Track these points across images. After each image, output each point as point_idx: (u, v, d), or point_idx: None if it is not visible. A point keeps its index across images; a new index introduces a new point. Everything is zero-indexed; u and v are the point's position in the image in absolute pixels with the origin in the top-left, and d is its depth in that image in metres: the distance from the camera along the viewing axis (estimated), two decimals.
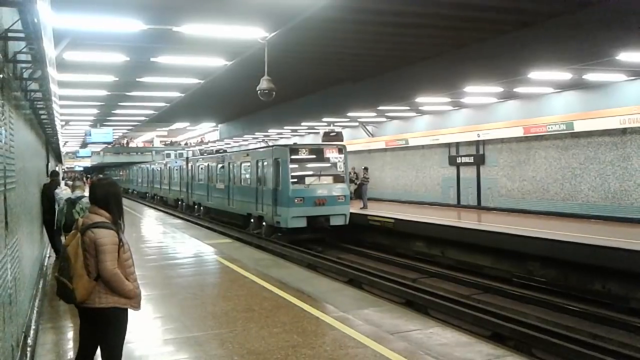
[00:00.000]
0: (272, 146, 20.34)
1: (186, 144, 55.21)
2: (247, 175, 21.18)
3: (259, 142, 40.87)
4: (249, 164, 21.03)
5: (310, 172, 18.09)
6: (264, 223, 19.43)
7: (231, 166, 23.17)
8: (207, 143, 49.17)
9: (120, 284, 3.72)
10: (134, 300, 3.84)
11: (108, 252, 3.67)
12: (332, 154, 18.46)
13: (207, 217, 26.26)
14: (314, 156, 18.35)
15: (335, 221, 17.72)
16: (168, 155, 43.47)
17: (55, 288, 3.85)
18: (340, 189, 18.04)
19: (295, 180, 17.67)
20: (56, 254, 11.28)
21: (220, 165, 24.60)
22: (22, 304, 5.41)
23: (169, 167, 35.12)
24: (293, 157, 17.87)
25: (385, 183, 26.21)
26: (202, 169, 27.51)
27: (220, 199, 24.10)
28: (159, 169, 38.46)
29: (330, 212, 17.63)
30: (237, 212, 22.11)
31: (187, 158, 31.58)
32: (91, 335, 3.89)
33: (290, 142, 32.39)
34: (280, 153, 18.32)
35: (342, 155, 18.50)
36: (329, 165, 18.34)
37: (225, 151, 27.42)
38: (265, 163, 19.31)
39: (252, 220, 20.56)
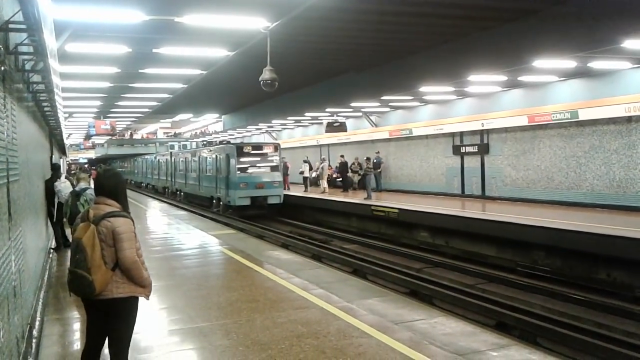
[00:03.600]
0: (225, 144, 26.12)
1: (176, 134, 55.30)
2: (210, 167, 26.46)
3: (263, 132, 41.01)
4: (212, 158, 26.19)
5: (252, 164, 23.61)
6: (221, 203, 24.75)
7: (201, 159, 28.33)
8: (210, 134, 49.25)
9: (140, 272, 3.76)
10: (147, 288, 3.87)
11: (127, 240, 3.69)
12: (269, 151, 24.32)
13: (186, 201, 31.24)
14: (255, 152, 24.04)
15: (272, 200, 23.26)
16: (172, 147, 44.83)
17: (68, 282, 3.79)
18: (275, 176, 23.64)
19: (241, 170, 23.18)
20: (58, 246, 11.37)
21: (193, 159, 29.85)
22: (26, 295, 5.42)
23: (158, 159, 40.18)
24: (239, 152, 23.47)
25: (389, 173, 26.15)
26: (181, 161, 32.94)
27: (194, 185, 29.73)
28: (150, 161, 43.50)
29: (267, 193, 23.15)
30: (205, 195, 27.60)
31: (171, 152, 37.00)
32: (101, 327, 3.87)
33: (297, 133, 35.54)
34: (230, 149, 23.94)
35: (277, 152, 24.29)
36: (266, 158, 23.98)
37: (196, 146, 32.43)
38: (221, 157, 24.53)
39: (214, 201, 25.99)
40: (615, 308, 9.33)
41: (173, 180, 35.03)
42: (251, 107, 29.87)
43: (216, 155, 25.44)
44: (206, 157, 27.31)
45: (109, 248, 3.68)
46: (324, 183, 24.39)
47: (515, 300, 10.05)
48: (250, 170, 23.41)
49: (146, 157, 46.28)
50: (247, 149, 23.89)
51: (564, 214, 14.13)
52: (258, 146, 24.78)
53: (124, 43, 12.93)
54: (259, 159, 23.90)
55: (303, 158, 29.34)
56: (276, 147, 24.50)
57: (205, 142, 35.84)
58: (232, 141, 34.83)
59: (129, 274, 3.72)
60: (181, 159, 32.95)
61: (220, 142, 30.03)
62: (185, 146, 43.42)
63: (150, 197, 35.54)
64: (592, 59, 13.48)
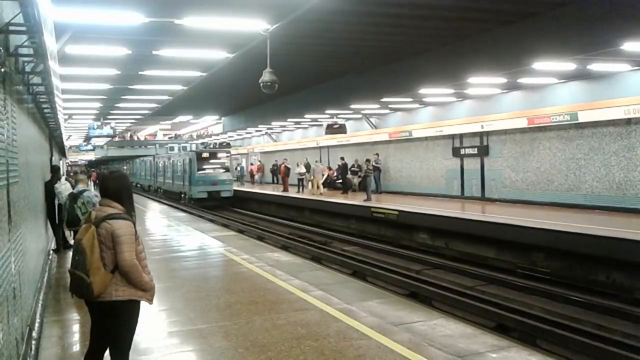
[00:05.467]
0: (189, 151, 33.00)
1: (176, 136, 55.86)
2: (179, 169, 33.22)
3: (262, 134, 41.10)
4: (180, 161, 33.03)
5: (209, 166, 30.44)
6: (186, 196, 31.60)
7: (173, 162, 35.23)
8: (210, 136, 49.58)
9: (139, 275, 3.71)
10: (149, 292, 3.82)
11: (126, 243, 3.65)
12: (222, 156, 31.43)
13: (164, 196, 37.54)
14: (211, 157, 30.82)
15: (224, 194, 29.98)
16: (171, 149, 45.56)
17: (68, 283, 3.80)
18: (226, 175, 30.65)
19: (199, 170, 30.04)
20: (57, 248, 11.37)
21: (168, 162, 36.76)
22: (26, 297, 5.42)
23: (145, 162, 47.51)
24: (198, 157, 30.36)
25: (388, 175, 26.16)
26: (160, 164, 39.84)
27: (169, 183, 36.75)
28: (139, 164, 50.98)
29: (220, 189, 29.99)
30: (176, 191, 34.42)
31: (153, 156, 43.98)
32: (102, 329, 3.85)
33: (297, 134, 36.75)
34: (192, 155, 30.94)
35: (228, 157, 31.73)
36: (220, 162, 30.97)
37: (196, 148, 37.44)
38: (186, 161, 31.42)
39: (182, 195, 32.73)
40: (614, 310, 9.33)
41: (155, 179, 42.37)
42: (251, 108, 29.90)
43: (183, 160, 32.38)
44: (176, 161, 34.28)
45: (109, 250, 3.65)
46: (309, 185, 25.38)
47: (514, 302, 10.04)
48: (207, 171, 30.21)
49: (136, 160, 52.45)
50: (205, 155, 30.76)
51: (563, 215, 14.13)
52: (214, 153, 31.48)
53: (124, 45, 12.93)
54: (214, 162, 30.83)
55: (303, 160, 29.45)
56: (228, 153, 32.12)
57: (204, 144, 39.53)
58: (232, 144, 40.71)
59: (128, 277, 3.69)
60: (160, 162, 39.97)
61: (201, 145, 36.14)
62: (185, 148, 44.80)
63: (142, 195, 38.82)
64: (591, 61, 13.50)
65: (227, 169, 30.83)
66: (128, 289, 3.72)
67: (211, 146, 34.32)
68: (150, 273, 3.89)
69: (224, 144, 38.62)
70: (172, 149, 46.35)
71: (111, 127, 31.81)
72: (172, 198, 34.84)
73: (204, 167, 30.22)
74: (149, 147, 52.48)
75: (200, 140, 49.09)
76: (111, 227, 3.66)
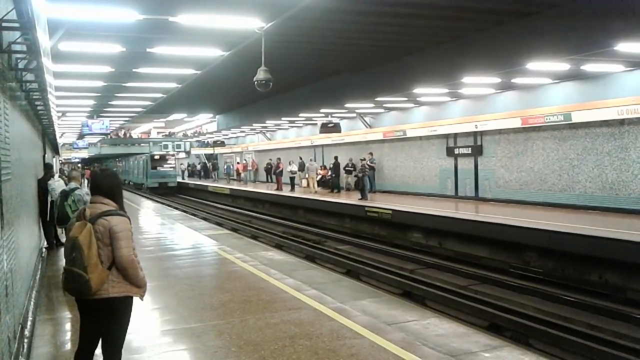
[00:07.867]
0: (145, 154, 45.10)
1: (170, 134, 56.60)
2: (141, 166, 45.44)
3: (257, 133, 41.26)
4: (141, 161, 45.44)
5: (159, 164, 43.21)
6: (144, 186, 43.29)
7: (138, 161, 46.96)
8: (204, 134, 50.01)
9: (136, 271, 3.74)
10: (142, 289, 3.86)
11: (124, 239, 3.67)
12: (169, 157, 45.10)
13: (132, 187, 47.68)
14: (161, 159, 43.74)
15: (170, 184, 42.80)
16: (165, 147, 49.25)
17: (61, 281, 3.79)
18: (171, 171, 43.99)
19: (152, 167, 42.75)
20: (50, 245, 11.31)
21: (136, 161, 48.50)
22: (18, 295, 5.40)
23: (122, 161, 57.40)
24: (152, 158, 43.09)
25: (382, 174, 26.19)
26: (131, 162, 51.17)
27: (135, 177, 48.77)
28: (118, 162, 60.32)
29: (167, 180, 42.92)
30: (139, 182, 46.21)
31: (127, 155, 53.88)
32: (94, 328, 3.84)
33: (291, 133, 37.22)
34: (147, 157, 43.51)
35: (174, 158, 45.52)
36: (167, 161, 44.29)
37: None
38: (144, 161, 43.89)
39: (142, 185, 44.07)
40: (607, 310, 9.37)
41: (127, 174, 52.86)
42: (245, 107, 29.84)
43: (142, 160, 45.16)
44: (139, 160, 46.71)
45: (106, 247, 3.66)
46: (302, 183, 27.29)
47: (507, 301, 10.08)
48: (158, 168, 42.99)
49: (117, 159, 61.54)
50: (156, 157, 43.55)
51: (556, 215, 14.19)
52: (163, 155, 44.54)
53: (117, 42, 12.87)
54: (163, 162, 43.70)
55: (296, 159, 29.53)
56: (173, 155, 46.37)
57: (199, 142, 50.32)
58: (226, 142, 48.39)
59: (126, 273, 3.70)
60: (131, 161, 51.18)
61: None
62: (179, 145, 51.90)
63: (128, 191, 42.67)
64: (585, 62, 13.55)
65: (173, 167, 44.46)
66: (124, 285, 3.73)
67: (206, 143, 46.32)
68: (142, 269, 3.91)
69: (218, 142, 46.52)
70: (166, 146, 48.80)
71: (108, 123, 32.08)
72: (138, 188, 45.69)
73: (156, 165, 42.97)
74: (142, 145, 52.71)
75: (195, 139, 51.09)
76: (109, 223, 3.67)
